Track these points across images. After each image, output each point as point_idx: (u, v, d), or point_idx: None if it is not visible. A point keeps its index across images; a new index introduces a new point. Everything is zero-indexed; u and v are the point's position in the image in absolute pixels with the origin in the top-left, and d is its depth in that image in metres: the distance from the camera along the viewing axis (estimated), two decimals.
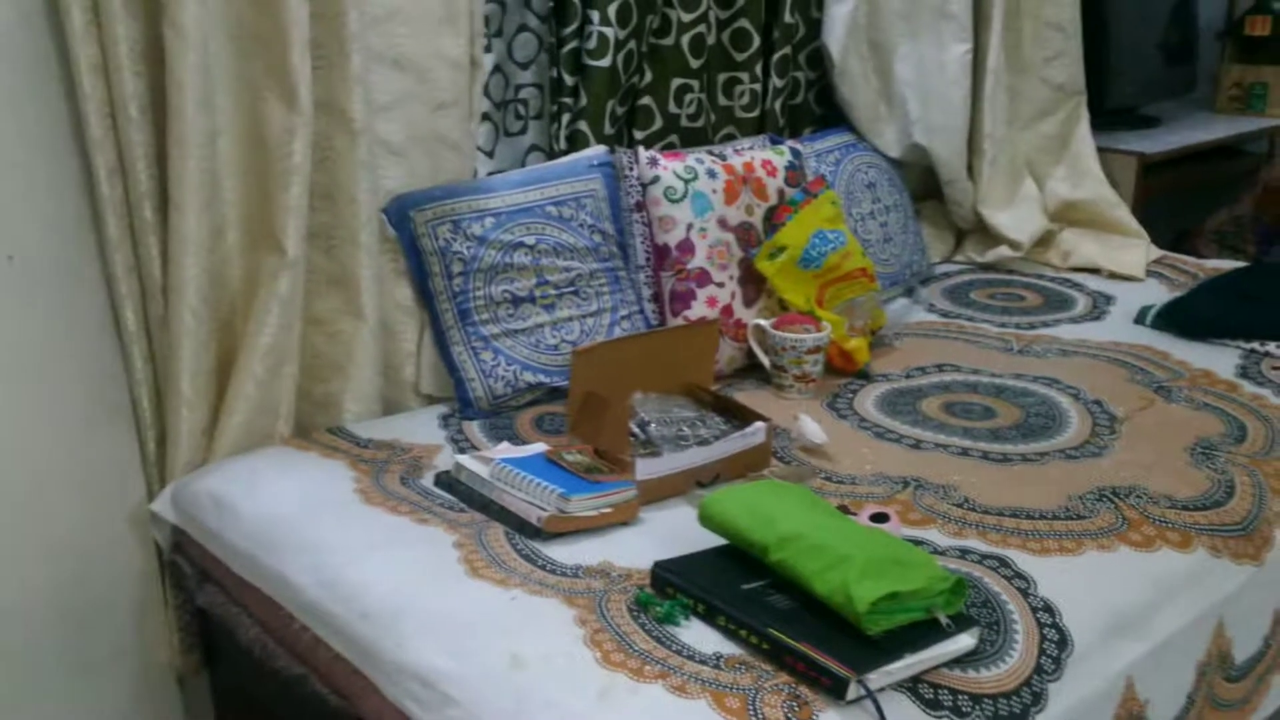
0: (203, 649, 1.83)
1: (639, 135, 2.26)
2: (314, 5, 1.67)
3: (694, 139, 2.33)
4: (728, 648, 1.24)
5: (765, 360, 2.03)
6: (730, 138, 2.42)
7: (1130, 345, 2.22)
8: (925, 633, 1.21)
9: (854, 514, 1.50)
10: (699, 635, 1.26)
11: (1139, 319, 2.36)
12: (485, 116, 2.03)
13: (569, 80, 2.10)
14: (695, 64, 2.28)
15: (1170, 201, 3.29)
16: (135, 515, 1.75)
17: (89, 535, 1.71)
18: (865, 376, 2.08)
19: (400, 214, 1.88)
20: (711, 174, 2.08)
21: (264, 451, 1.73)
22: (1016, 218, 2.77)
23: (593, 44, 2.08)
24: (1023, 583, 1.39)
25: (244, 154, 1.71)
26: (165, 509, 1.71)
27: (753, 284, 2.12)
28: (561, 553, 1.44)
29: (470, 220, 1.90)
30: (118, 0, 1.52)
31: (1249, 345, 2.19)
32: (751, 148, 2.26)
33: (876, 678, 1.15)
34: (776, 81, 2.44)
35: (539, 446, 1.65)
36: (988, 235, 2.80)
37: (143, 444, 1.75)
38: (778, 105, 2.46)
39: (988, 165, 2.73)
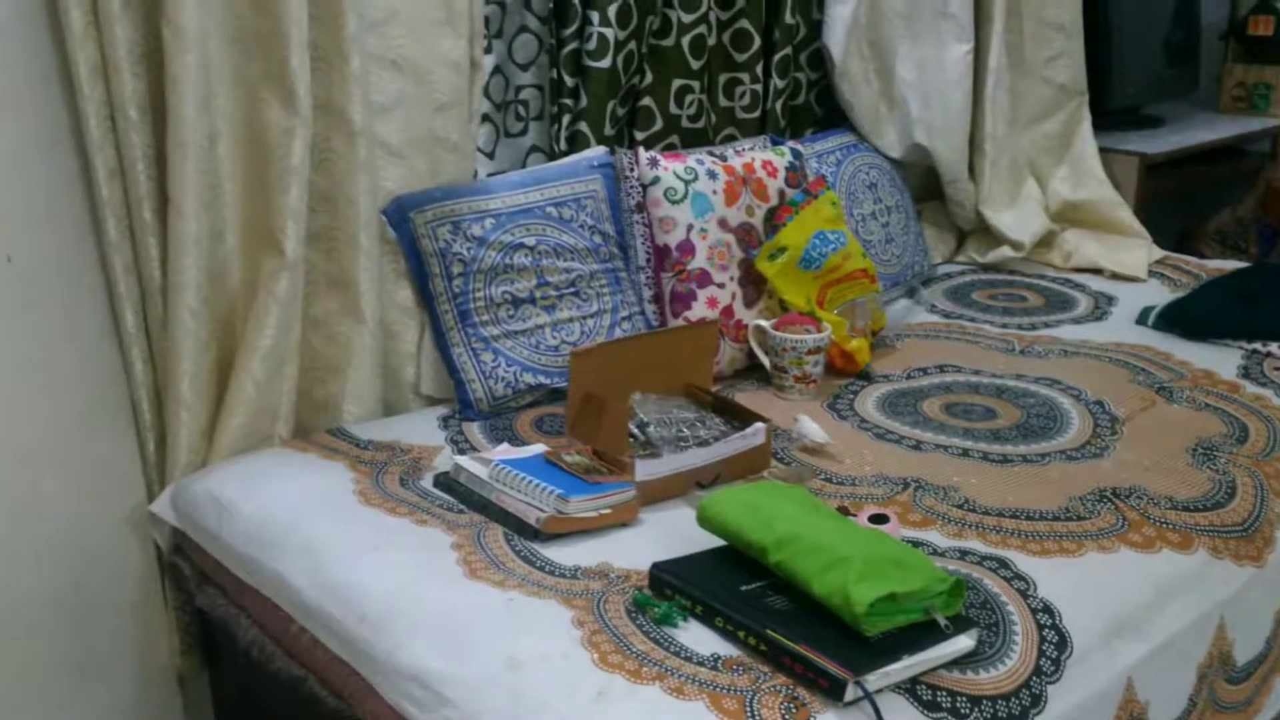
0: (202, 650, 1.83)
1: (639, 136, 2.26)
2: (313, 7, 1.67)
3: (695, 140, 2.33)
4: (726, 649, 1.23)
5: (766, 361, 2.03)
6: (731, 138, 2.41)
7: (1132, 346, 2.21)
8: (924, 634, 1.21)
9: (853, 515, 1.49)
10: (697, 636, 1.26)
11: (1141, 320, 2.36)
12: (485, 118, 2.03)
13: (569, 81, 2.10)
14: (696, 65, 2.28)
15: (1172, 202, 3.28)
16: (134, 516, 1.75)
17: (88, 536, 1.71)
18: (866, 377, 2.08)
19: (400, 215, 1.87)
20: (712, 175, 2.08)
21: (263, 453, 1.73)
22: (1018, 218, 2.77)
23: (593, 45, 2.08)
24: (1022, 584, 1.38)
25: (243, 156, 1.71)
26: (165, 510, 1.71)
27: (753, 285, 2.11)
28: (560, 554, 1.44)
29: (470, 221, 1.89)
30: (117, 1, 1.53)
31: (1251, 346, 2.18)
32: (752, 148, 2.26)
33: (874, 679, 1.15)
34: (777, 82, 2.44)
35: (538, 448, 1.64)
36: (989, 236, 2.80)
37: (142, 445, 1.75)
38: (778, 106, 2.46)
39: (989, 166, 2.73)
